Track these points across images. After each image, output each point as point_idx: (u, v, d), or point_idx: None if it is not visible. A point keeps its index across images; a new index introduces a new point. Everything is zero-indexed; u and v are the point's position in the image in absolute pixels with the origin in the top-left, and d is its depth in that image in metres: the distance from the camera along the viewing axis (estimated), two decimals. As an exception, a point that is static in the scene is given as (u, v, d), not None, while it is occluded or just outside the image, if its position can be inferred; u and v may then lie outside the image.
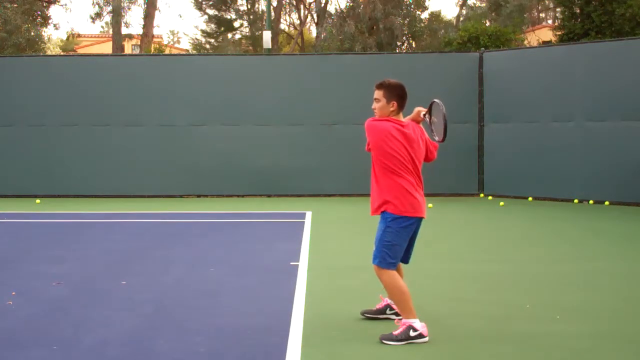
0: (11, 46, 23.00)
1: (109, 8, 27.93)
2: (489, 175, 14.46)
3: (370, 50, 24.69)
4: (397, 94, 4.68)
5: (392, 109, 4.68)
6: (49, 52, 29.51)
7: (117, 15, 26.69)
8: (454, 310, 5.28)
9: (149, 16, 27.85)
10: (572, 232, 9.77)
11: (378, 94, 4.70)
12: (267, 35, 17.74)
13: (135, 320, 5.01)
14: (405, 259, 4.86)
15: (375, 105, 4.73)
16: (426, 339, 4.49)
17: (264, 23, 29.67)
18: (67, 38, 33.86)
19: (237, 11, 36.37)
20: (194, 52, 37.41)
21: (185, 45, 54.83)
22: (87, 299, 5.69)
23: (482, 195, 14.48)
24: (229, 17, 36.66)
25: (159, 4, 28.71)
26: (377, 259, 4.61)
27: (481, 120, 14.54)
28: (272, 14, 29.02)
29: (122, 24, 27.27)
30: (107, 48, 35.75)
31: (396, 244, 4.59)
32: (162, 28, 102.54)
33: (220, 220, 11.10)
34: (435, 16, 31.19)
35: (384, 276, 4.60)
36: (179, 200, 14.20)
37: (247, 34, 36.86)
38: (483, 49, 16.69)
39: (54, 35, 55.92)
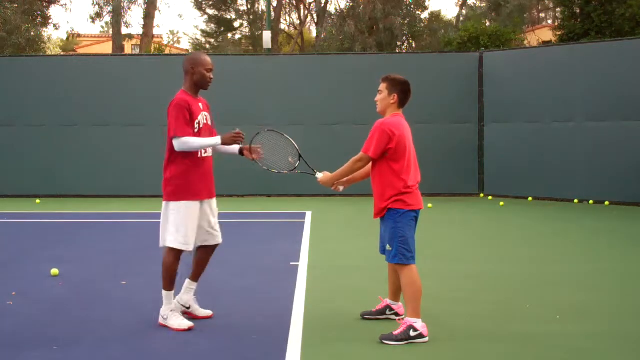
0: (11, 46, 23.00)
1: (109, 8, 27.95)
2: (489, 175, 14.47)
3: (370, 50, 24.69)
4: (400, 89, 4.73)
5: (392, 101, 4.73)
6: (49, 52, 29.51)
7: (117, 15, 26.70)
8: (454, 310, 5.27)
9: (149, 16, 27.85)
10: (572, 232, 9.76)
11: (382, 86, 4.78)
12: (267, 35, 17.74)
13: (135, 320, 5.01)
14: None
15: (377, 97, 4.81)
16: (426, 339, 4.49)
17: (264, 23, 29.69)
18: (67, 38, 33.88)
19: (237, 11, 36.40)
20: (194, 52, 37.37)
21: (185, 45, 54.82)
22: (87, 299, 5.69)
23: (482, 195, 14.48)
24: (229, 17, 36.69)
25: (159, 4, 28.72)
26: (396, 257, 4.60)
27: (481, 120, 14.55)
28: (272, 14, 29.02)
29: (122, 24, 27.28)
30: (107, 48, 35.74)
31: (409, 236, 4.62)
32: (162, 28, 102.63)
33: (220, 220, 11.08)
34: (435, 16, 31.21)
35: (406, 271, 4.59)
36: (179, 200, 14.17)
37: (247, 34, 36.87)
38: (483, 49, 16.69)
39: (54, 35, 55.92)
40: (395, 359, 4.19)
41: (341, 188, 5.02)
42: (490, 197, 14.18)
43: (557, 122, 13.50)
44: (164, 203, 4.87)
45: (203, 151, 4.86)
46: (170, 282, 4.87)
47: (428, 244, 8.10)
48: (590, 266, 7.16)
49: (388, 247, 4.64)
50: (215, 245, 5.07)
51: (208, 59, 4.90)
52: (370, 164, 4.77)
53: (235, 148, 5.02)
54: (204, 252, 5.05)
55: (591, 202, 13.06)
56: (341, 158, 16.16)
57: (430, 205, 12.06)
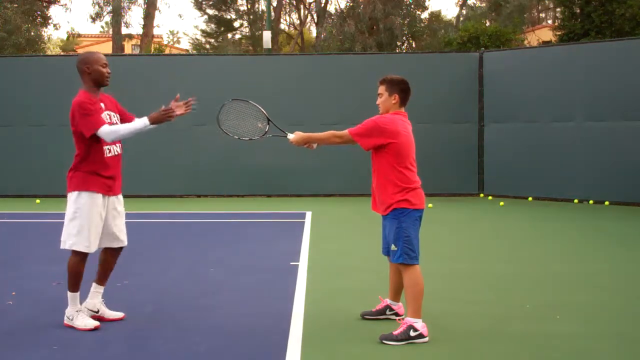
0: (11, 46, 23.00)
1: (109, 8, 27.95)
2: (489, 175, 14.46)
3: (370, 50, 24.69)
4: (399, 88, 4.76)
5: (393, 101, 4.75)
6: (49, 52, 29.50)
7: (117, 15, 26.71)
8: (453, 310, 5.28)
9: (149, 16, 27.86)
10: (572, 232, 9.76)
11: (381, 88, 4.80)
12: (267, 35, 17.77)
13: (135, 320, 5.01)
14: None
15: (378, 100, 4.83)
16: (426, 339, 4.49)
17: (264, 23, 29.67)
18: (67, 38, 33.88)
19: (237, 11, 36.41)
20: (194, 52, 37.42)
21: (185, 45, 54.84)
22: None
23: (482, 195, 14.48)
24: (229, 17, 36.70)
25: (159, 4, 28.72)
26: (401, 257, 4.59)
27: (481, 120, 14.54)
28: (272, 14, 29.02)
29: (122, 24, 27.29)
30: (107, 48, 35.72)
31: (414, 236, 4.62)
32: (162, 28, 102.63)
33: (220, 220, 11.10)
34: (435, 16, 31.22)
35: (409, 271, 4.59)
36: (179, 200, 14.20)
37: (247, 34, 36.88)
38: (483, 49, 16.69)
39: (54, 35, 55.91)
40: (395, 359, 4.19)
41: (314, 146, 5.00)
42: (490, 197, 14.17)
43: (557, 122, 13.50)
44: (68, 195, 4.77)
45: (108, 151, 4.80)
46: (75, 284, 4.79)
47: (428, 244, 8.09)
48: (590, 266, 7.16)
49: (393, 247, 4.64)
50: (120, 248, 5.00)
51: (101, 55, 4.90)
52: (372, 160, 4.76)
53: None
54: (110, 254, 4.98)
55: (591, 202, 13.06)
56: (341, 157, 16.06)
57: (430, 205, 12.05)
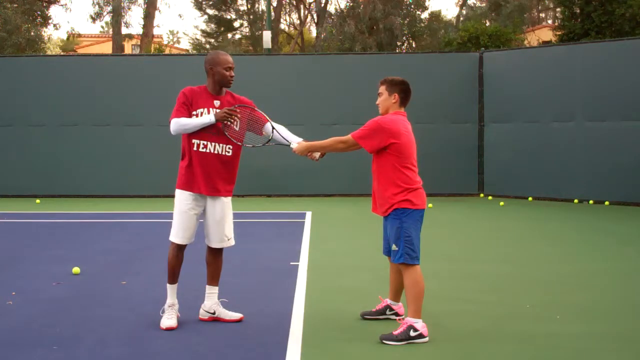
0: (11, 46, 22.98)
1: (109, 8, 27.94)
2: (489, 175, 14.46)
3: (370, 50, 24.69)
4: (399, 88, 4.78)
5: (393, 101, 4.77)
6: (49, 52, 29.50)
7: (117, 15, 26.70)
8: (454, 310, 5.28)
9: (149, 16, 27.85)
10: (572, 232, 9.76)
11: (381, 88, 4.83)
12: (267, 35, 17.75)
13: (135, 320, 5.01)
14: None
15: (378, 100, 4.84)
16: (426, 339, 4.49)
17: (264, 23, 29.69)
18: (67, 38, 33.87)
19: (237, 11, 36.38)
20: (194, 52, 37.40)
21: (185, 45, 54.79)
22: (87, 299, 5.69)
23: (482, 195, 14.48)
24: (229, 17, 36.68)
25: (159, 4, 28.72)
26: (402, 257, 4.59)
27: (481, 120, 14.55)
28: (272, 14, 29.02)
29: (122, 24, 27.28)
30: (107, 48, 35.74)
31: (415, 236, 4.62)
32: (162, 28, 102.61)
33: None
34: (435, 16, 31.18)
35: (410, 271, 4.59)
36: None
37: (247, 34, 36.87)
38: (483, 49, 16.69)
39: (54, 35, 55.85)
40: (395, 359, 4.19)
41: (317, 156, 4.99)
42: (490, 197, 14.18)
43: (557, 122, 13.50)
44: None
45: (202, 146, 4.83)
46: (169, 275, 4.89)
47: (428, 244, 8.07)
48: (590, 266, 7.16)
49: (394, 247, 4.63)
50: (217, 249, 4.99)
51: (227, 57, 4.89)
52: (373, 161, 4.77)
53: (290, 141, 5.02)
54: (209, 253, 5.02)
55: (591, 202, 13.06)
56: (341, 158, 16.10)
57: (430, 205, 12.04)
